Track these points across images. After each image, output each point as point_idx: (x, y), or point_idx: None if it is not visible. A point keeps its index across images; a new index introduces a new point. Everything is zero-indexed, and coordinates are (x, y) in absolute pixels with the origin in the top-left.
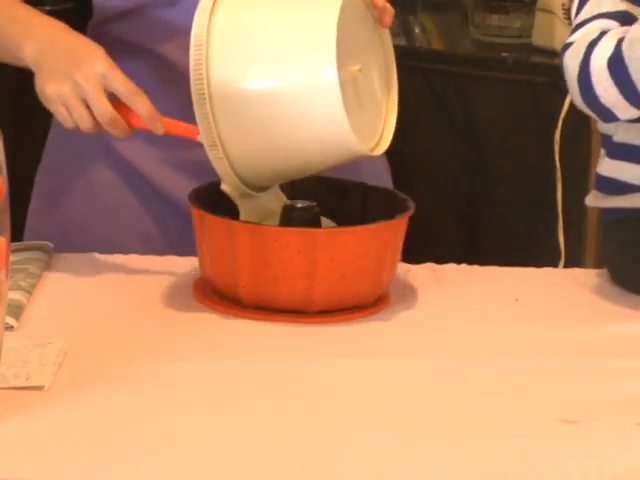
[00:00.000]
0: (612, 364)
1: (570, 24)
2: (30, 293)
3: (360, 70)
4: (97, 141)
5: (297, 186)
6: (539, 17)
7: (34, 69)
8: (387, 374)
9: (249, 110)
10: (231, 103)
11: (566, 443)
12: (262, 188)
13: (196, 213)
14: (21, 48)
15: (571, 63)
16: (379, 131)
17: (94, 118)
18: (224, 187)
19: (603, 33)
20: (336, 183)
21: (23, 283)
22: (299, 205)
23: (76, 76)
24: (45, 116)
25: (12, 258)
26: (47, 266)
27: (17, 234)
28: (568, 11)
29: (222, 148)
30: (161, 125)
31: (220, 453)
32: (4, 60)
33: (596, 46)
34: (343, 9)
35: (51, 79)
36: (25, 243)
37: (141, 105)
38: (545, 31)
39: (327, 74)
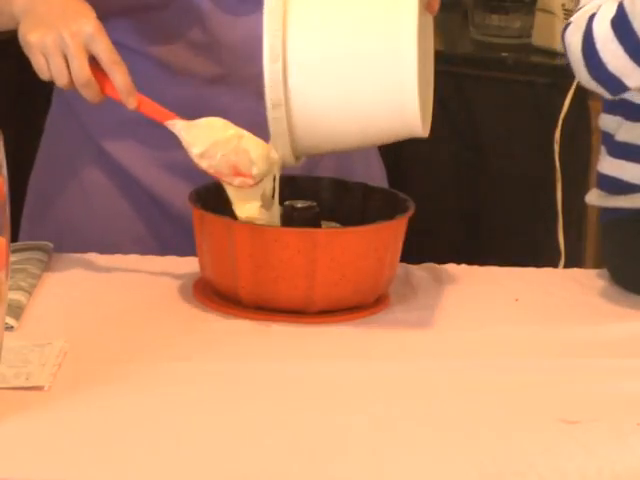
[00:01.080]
0: (612, 364)
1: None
2: (30, 293)
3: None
4: (89, 143)
5: (297, 186)
6: (539, 17)
7: (21, 18)
8: (387, 374)
9: (324, 69)
10: (306, 61)
11: (566, 443)
12: (298, 158)
13: (196, 213)
14: (11, 1)
15: (573, 39)
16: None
17: (70, 76)
18: (273, 154)
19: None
20: (336, 183)
21: (23, 283)
22: (299, 205)
23: (62, 30)
24: (45, 117)
25: (12, 258)
26: (47, 266)
27: (16, 235)
28: (568, 11)
29: (286, 108)
30: (134, 100)
31: (220, 453)
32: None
33: (596, 15)
34: None
35: (36, 27)
36: (25, 243)
37: (119, 75)
38: (545, 31)
39: (407, 43)
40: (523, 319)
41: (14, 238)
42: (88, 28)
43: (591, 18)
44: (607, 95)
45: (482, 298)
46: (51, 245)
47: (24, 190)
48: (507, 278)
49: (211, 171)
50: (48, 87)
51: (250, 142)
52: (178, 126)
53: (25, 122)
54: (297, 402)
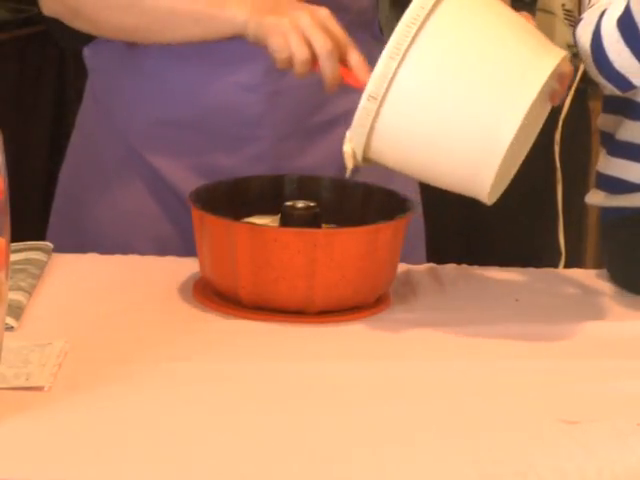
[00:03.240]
0: (612, 364)
1: (570, 24)
2: (30, 293)
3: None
4: (119, 142)
5: (298, 186)
6: (539, 17)
7: (244, 13)
8: (387, 374)
9: (430, 97)
10: (418, 78)
11: (566, 443)
12: (366, 160)
13: (196, 213)
14: (223, 10)
15: (584, 33)
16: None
17: (311, 51)
18: (346, 147)
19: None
20: (336, 183)
21: (23, 283)
22: (299, 205)
23: (301, 10)
24: (45, 117)
25: (12, 258)
26: (47, 266)
27: (16, 233)
28: (568, 11)
29: (378, 105)
30: (369, 74)
31: (220, 453)
32: (202, 35)
33: (606, 12)
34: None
35: (271, 11)
36: (25, 243)
37: (355, 54)
38: (545, 31)
39: (504, 139)
40: (523, 319)
41: (42, 232)
42: (323, 12)
43: (602, 14)
44: (617, 91)
45: (482, 298)
46: (51, 245)
47: (24, 190)
48: (507, 278)
49: None
50: (49, 87)
51: None
52: None
53: (25, 121)
54: (297, 402)
